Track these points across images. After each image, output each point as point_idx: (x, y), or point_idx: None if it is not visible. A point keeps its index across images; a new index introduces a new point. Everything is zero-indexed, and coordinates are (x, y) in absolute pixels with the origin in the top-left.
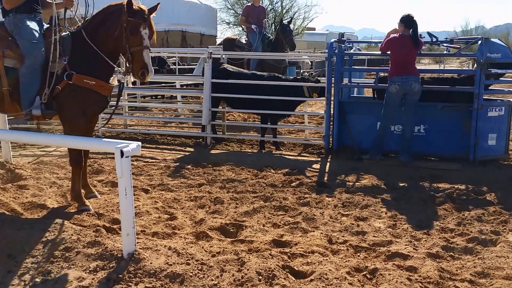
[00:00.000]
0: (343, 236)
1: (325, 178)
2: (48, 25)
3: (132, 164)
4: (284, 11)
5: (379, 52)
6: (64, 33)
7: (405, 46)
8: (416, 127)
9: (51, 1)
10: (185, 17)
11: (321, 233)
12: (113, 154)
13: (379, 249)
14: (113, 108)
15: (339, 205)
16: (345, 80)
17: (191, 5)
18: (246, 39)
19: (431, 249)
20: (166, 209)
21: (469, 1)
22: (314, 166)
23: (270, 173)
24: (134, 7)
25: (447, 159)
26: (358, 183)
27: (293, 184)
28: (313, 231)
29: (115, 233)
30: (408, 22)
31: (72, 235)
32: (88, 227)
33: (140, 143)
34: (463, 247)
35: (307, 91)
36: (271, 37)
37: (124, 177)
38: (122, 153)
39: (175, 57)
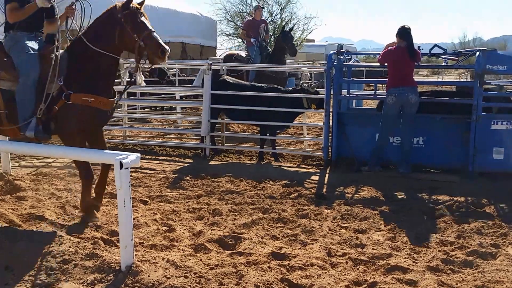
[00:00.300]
0: (342, 249)
1: (324, 190)
2: (46, 44)
3: (131, 176)
4: (284, 23)
5: (378, 64)
6: (60, 52)
7: (401, 58)
8: (415, 139)
9: (56, 16)
10: (185, 28)
11: (320, 245)
12: (112, 165)
13: (378, 262)
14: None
15: (338, 217)
16: (344, 92)
17: (192, 17)
18: (246, 53)
19: (430, 262)
20: (165, 221)
21: (466, 13)
22: (313, 177)
23: (269, 185)
24: (131, 5)
25: (446, 171)
26: (357, 195)
27: (292, 196)
28: (312, 244)
29: (113, 245)
30: (403, 34)
31: (70, 247)
32: (86, 239)
33: (139, 154)
34: (463, 260)
35: (306, 102)
36: (270, 49)
37: (123, 189)
38: (121, 165)
39: (175, 68)
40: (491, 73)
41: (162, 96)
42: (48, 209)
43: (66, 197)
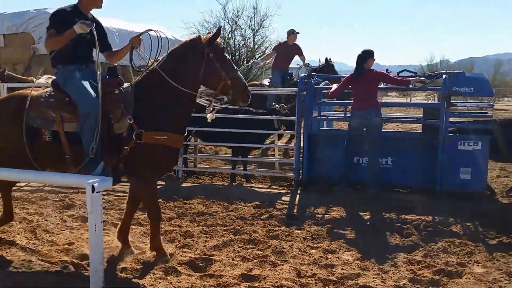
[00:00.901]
0: (311, 269)
1: (295, 211)
2: (108, 77)
3: (102, 198)
4: (256, 46)
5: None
6: (125, 85)
7: (359, 81)
8: (384, 159)
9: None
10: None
11: (290, 266)
12: (84, 188)
13: (347, 282)
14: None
15: (308, 237)
16: (315, 113)
17: (166, 41)
18: (269, 80)
19: (398, 282)
20: (136, 243)
21: (434, 37)
22: (284, 198)
23: (240, 206)
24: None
25: (415, 191)
26: (327, 215)
27: (263, 216)
28: (282, 265)
29: (83, 269)
30: None
31: (39, 272)
32: (56, 263)
33: (111, 177)
34: (429, 279)
35: (276, 123)
36: (296, 79)
37: (94, 213)
38: (93, 189)
39: None
40: (458, 95)
41: None
42: (18, 234)
43: (37, 221)
